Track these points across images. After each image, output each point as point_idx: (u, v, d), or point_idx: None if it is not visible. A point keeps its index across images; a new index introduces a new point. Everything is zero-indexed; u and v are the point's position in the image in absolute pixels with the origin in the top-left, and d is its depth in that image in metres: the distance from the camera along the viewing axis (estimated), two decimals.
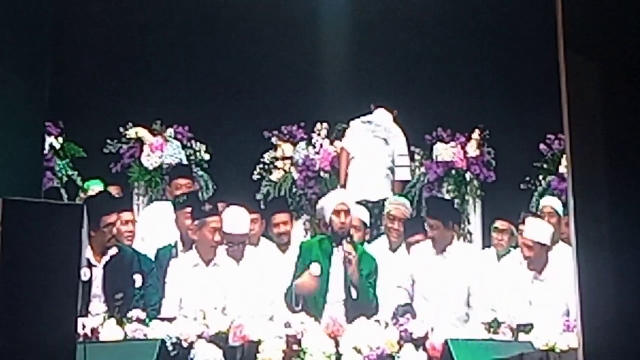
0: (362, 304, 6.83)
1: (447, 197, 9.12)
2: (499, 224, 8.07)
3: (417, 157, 9.41)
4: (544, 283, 7.25)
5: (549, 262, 7.28)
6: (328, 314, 6.57)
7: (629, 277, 4.20)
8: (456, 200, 9.12)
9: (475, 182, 9.31)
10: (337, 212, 7.12)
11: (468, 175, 9.32)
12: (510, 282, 7.41)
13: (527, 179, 9.26)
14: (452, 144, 9.37)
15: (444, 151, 9.33)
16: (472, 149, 9.35)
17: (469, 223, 9.19)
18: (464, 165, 9.31)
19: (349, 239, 7.09)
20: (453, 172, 9.30)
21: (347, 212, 7.17)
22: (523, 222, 7.66)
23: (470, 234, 9.14)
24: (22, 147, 5.66)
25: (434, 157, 9.34)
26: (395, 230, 7.93)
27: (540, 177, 9.28)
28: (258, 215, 7.87)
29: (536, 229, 7.30)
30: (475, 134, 9.37)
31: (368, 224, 7.92)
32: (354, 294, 6.87)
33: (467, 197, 9.27)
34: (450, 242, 7.35)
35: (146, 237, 7.81)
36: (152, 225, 7.99)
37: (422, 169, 9.38)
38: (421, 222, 7.70)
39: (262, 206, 8.52)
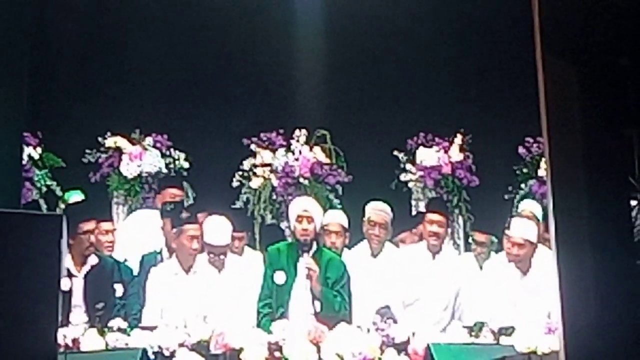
0: (326, 316, 6.55)
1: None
2: (477, 236, 8.12)
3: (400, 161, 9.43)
4: (528, 285, 7.27)
5: (532, 265, 7.32)
6: (309, 320, 6.53)
7: (610, 279, 4.21)
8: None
9: (460, 186, 9.33)
10: (299, 219, 6.96)
11: (451, 179, 9.33)
12: (495, 285, 7.43)
13: (509, 187, 9.29)
14: (436, 148, 9.38)
15: (427, 156, 9.34)
16: (456, 154, 9.36)
17: (457, 226, 9.21)
18: (449, 169, 9.32)
19: (312, 250, 6.87)
20: (440, 176, 9.31)
21: (311, 218, 6.97)
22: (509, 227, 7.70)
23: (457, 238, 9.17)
24: (0, 158, 5.64)
25: (417, 162, 9.36)
26: (376, 236, 7.90)
27: (520, 180, 9.30)
28: (244, 234, 7.84)
29: (523, 228, 7.34)
30: (458, 139, 9.39)
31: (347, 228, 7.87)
32: (317, 307, 6.69)
33: (453, 201, 9.28)
34: (443, 243, 7.47)
35: (128, 246, 7.78)
36: (135, 233, 7.96)
37: (417, 174, 9.36)
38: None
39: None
